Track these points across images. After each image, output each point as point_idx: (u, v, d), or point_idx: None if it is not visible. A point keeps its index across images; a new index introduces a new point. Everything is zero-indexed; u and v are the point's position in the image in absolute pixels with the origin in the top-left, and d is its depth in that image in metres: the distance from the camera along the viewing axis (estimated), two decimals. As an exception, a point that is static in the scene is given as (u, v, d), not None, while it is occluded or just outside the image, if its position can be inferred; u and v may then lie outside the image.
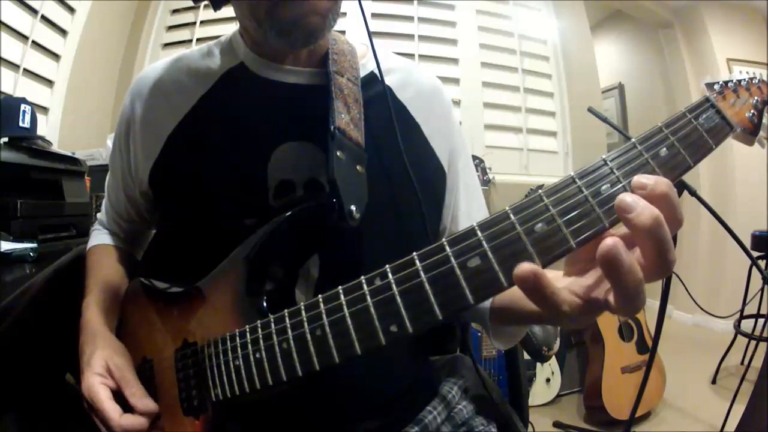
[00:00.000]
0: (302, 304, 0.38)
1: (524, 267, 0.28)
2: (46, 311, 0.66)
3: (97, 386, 0.47)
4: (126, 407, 0.47)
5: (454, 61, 2.29)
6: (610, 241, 0.27)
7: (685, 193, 1.22)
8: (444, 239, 0.32)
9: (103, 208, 0.70)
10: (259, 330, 0.41)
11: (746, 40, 2.93)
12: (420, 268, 0.32)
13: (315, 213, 0.48)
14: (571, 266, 0.35)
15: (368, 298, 0.34)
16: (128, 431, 0.45)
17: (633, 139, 0.32)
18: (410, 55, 2.17)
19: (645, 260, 0.29)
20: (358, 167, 0.50)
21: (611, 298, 0.29)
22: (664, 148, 0.32)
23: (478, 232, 0.31)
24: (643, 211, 0.27)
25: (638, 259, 0.29)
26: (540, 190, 0.31)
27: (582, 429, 1.75)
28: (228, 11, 0.57)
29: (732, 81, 0.38)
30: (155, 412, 0.48)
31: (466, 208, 0.63)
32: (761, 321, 1.96)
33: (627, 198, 0.28)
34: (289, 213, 0.46)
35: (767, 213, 2.46)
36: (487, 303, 0.52)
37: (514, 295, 0.41)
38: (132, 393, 0.48)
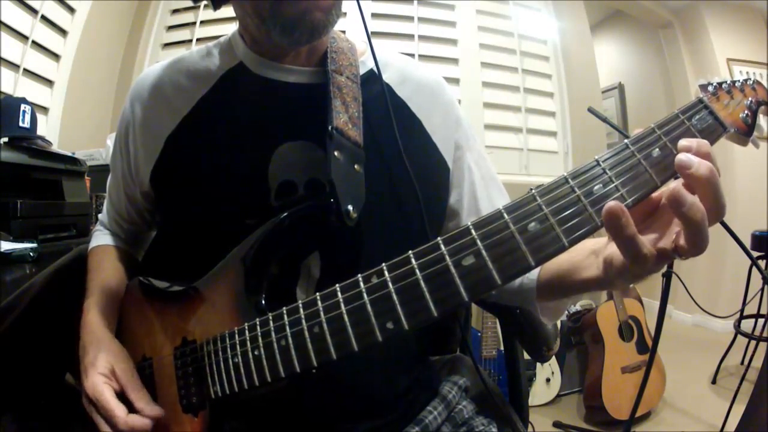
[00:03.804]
0: (300, 302, 0.39)
1: (613, 204, 0.30)
2: (47, 311, 0.66)
3: (101, 385, 0.47)
4: (129, 411, 0.47)
5: (454, 61, 2.28)
6: (674, 184, 0.31)
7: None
8: (439, 238, 0.33)
9: (104, 208, 0.70)
10: (258, 328, 0.41)
11: (746, 40, 2.94)
12: (415, 266, 0.33)
13: (312, 213, 0.48)
14: None
15: (365, 295, 0.35)
16: (134, 430, 0.45)
17: (626, 140, 0.33)
18: (410, 55, 2.16)
19: (704, 206, 0.32)
20: (356, 167, 0.50)
21: (681, 240, 0.32)
22: (657, 149, 0.32)
23: (473, 231, 0.31)
24: (700, 164, 0.31)
25: None
26: (533, 190, 0.32)
27: (582, 429, 1.75)
28: (228, 11, 0.57)
29: (726, 82, 0.38)
30: (160, 417, 0.48)
31: (487, 196, 0.62)
32: (761, 321, 1.96)
33: (683, 157, 0.31)
34: (287, 213, 0.46)
35: (767, 213, 2.46)
36: (533, 283, 0.52)
37: (565, 264, 0.45)
38: (139, 397, 0.48)
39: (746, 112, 0.37)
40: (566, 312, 2.00)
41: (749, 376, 1.79)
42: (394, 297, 0.33)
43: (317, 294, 0.38)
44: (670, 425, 1.77)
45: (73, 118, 1.82)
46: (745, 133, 0.37)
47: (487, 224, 0.31)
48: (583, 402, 1.86)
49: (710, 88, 0.37)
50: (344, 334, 0.35)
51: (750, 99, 0.38)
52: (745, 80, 0.39)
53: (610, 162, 0.32)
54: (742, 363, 2.10)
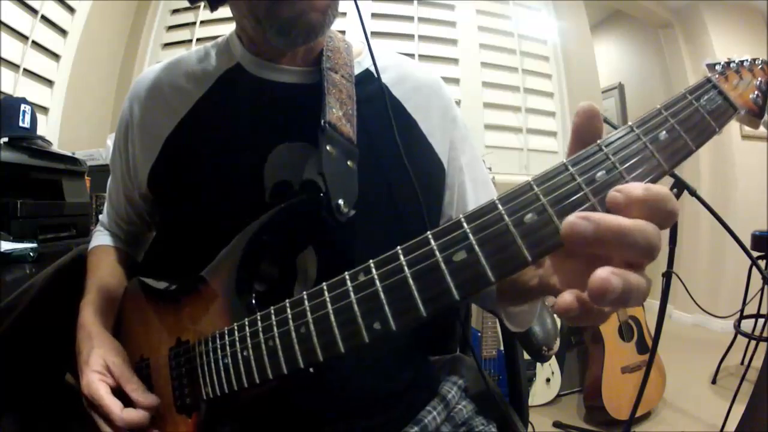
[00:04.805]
0: (288, 301, 0.38)
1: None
2: (47, 311, 0.66)
3: (96, 383, 0.47)
4: (126, 404, 0.47)
5: (454, 61, 2.28)
6: (602, 273, 0.24)
7: (685, 193, 1.22)
8: (429, 232, 0.31)
9: (104, 209, 0.71)
10: (247, 328, 0.40)
11: (746, 40, 2.94)
12: (404, 262, 0.31)
13: (303, 207, 0.47)
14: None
15: (351, 294, 0.33)
16: (130, 425, 0.45)
17: (630, 123, 0.30)
18: (410, 55, 2.17)
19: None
20: (348, 163, 0.49)
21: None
22: (664, 132, 0.29)
23: (465, 224, 0.29)
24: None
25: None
26: (530, 179, 0.29)
27: (582, 429, 1.75)
28: (227, 12, 0.57)
29: (734, 62, 0.35)
30: (157, 405, 0.48)
31: (476, 199, 0.61)
32: (761, 321, 1.96)
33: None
34: (276, 208, 0.46)
35: (767, 213, 2.46)
36: (494, 286, 0.50)
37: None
38: (133, 389, 0.48)
39: (756, 92, 0.34)
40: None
41: (749, 376, 1.78)
42: (381, 296, 0.31)
43: (304, 293, 0.36)
44: (670, 425, 1.77)
45: (73, 118, 1.82)
46: (757, 114, 0.34)
47: (479, 216, 0.29)
48: (583, 402, 1.86)
49: (718, 68, 0.35)
50: (330, 335, 0.34)
51: (760, 79, 0.35)
52: (754, 60, 0.36)
53: (614, 146, 0.28)
54: (742, 363, 2.10)
